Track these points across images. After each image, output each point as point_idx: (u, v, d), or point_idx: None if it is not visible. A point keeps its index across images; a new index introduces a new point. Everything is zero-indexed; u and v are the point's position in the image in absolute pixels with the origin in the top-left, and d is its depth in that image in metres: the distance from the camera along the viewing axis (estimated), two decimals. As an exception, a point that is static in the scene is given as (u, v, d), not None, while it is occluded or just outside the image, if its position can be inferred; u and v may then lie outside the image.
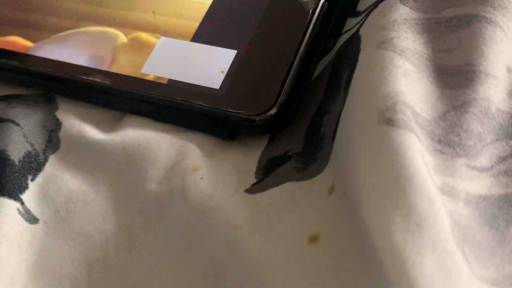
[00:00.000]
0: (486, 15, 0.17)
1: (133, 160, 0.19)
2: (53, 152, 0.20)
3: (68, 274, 0.17)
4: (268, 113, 0.19)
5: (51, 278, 0.17)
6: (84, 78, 0.21)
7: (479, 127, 0.16)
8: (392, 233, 0.13)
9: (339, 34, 0.21)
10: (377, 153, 0.14)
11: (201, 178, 0.17)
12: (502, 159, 0.16)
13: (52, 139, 0.20)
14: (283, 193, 0.17)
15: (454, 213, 0.14)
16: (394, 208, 0.13)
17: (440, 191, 0.14)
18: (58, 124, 0.21)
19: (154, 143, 0.19)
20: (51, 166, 0.19)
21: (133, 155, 0.19)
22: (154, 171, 0.18)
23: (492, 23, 0.17)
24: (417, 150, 0.14)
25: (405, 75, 0.16)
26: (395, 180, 0.13)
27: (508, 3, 0.17)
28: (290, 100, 0.20)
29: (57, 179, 0.19)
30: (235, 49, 0.21)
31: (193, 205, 0.17)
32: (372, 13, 0.19)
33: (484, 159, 0.16)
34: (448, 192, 0.15)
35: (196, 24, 0.22)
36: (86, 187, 0.19)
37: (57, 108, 0.21)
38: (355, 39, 0.19)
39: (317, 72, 0.21)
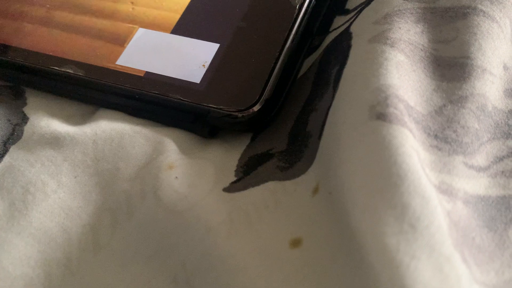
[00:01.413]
0: (484, 9, 0.16)
1: (104, 155, 0.17)
2: (14, 143, 0.18)
3: (22, 275, 0.15)
4: (251, 110, 0.18)
5: (2, 278, 0.15)
6: (55, 69, 0.20)
7: (476, 124, 0.15)
8: (384, 234, 0.12)
9: (326, 31, 0.20)
10: (367, 149, 0.13)
11: (176, 177, 0.16)
12: (499, 159, 0.15)
13: (16, 131, 0.18)
14: (265, 192, 0.16)
15: (452, 213, 0.13)
16: (386, 208, 0.12)
17: (437, 189, 0.13)
18: (24, 119, 0.19)
19: (127, 138, 0.17)
20: (10, 157, 0.18)
21: (104, 150, 0.17)
22: (126, 170, 0.17)
23: (489, 18, 0.16)
24: (411, 146, 0.13)
25: (398, 67, 0.15)
26: (387, 178, 0.12)
27: (505, -1, 0.17)
28: (275, 97, 0.18)
29: (14, 169, 0.17)
30: (217, 43, 0.20)
31: (166, 205, 0.15)
32: (364, 11, 0.19)
33: (481, 158, 0.15)
34: (446, 190, 0.13)
35: (177, 16, 0.21)
36: (46, 176, 0.17)
37: (25, 104, 0.20)
38: (345, 36, 0.18)
39: (303, 70, 0.20)
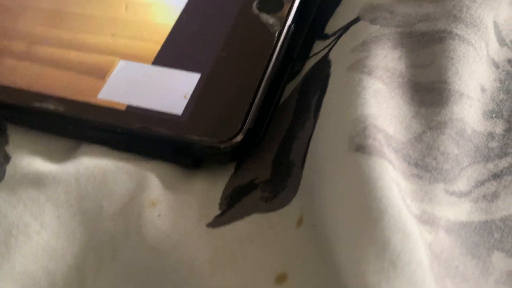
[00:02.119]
0: (459, 33, 0.16)
1: (87, 194, 0.17)
2: (-5, 185, 0.18)
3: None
4: (234, 140, 0.18)
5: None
6: (36, 105, 0.20)
7: (456, 149, 0.15)
8: (364, 274, 0.12)
9: (306, 57, 0.21)
10: (347, 182, 0.13)
11: (159, 214, 0.16)
12: (480, 183, 0.15)
13: (-3, 172, 0.18)
14: (249, 225, 0.16)
15: (434, 244, 0.13)
16: (367, 245, 0.12)
17: (418, 220, 0.13)
18: (6, 158, 0.19)
19: (110, 175, 0.17)
20: (-9, 199, 0.17)
21: (87, 188, 0.17)
22: (110, 208, 0.16)
23: (465, 41, 0.16)
24: (390, 178, 0.13)
25: (375, 96, 0.15)
26: (367, 213, 0.12)
27: (479, 22, 0.17)
28: (257, 126, 0.18)
29: None
30: (198, 72, 0.20)
31: (149, 244, 0.15)
32: (342, 37, 0.19)
33: (462, 184, 0.15)
34: (428, 220, 0.13)
35: (157, 46, 0.21)
36: (29, 217, 0.17)
37: (7, 142, 0.20)
38: (324, 64, 0.18)
39: (284, 96, 0.20)
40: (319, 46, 0.20)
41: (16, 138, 0.20)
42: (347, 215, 0.13)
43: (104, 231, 0.16)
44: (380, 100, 0.15)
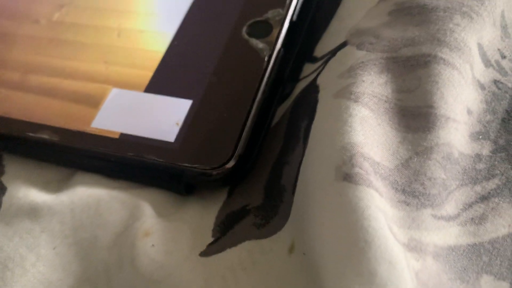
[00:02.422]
0: (444, 56, 0.17)
1: (81, 224, 0.17)
2: (-8, 217, 0.18)
3: None
4: (225, 167, 0.18)
5: None
6: (31, 135, 0.20)
7: (443, 174, 0.15)
8: None
9: (296, 79, 0.21)
10: (334, 212, 0.13)
11: (153, 244, 0.16)
12: (468, 206, 0.15)
13: (-6, 203, 0.19)
14: (242, 253, 0.16)
15: (421, 272, 0.13)
16: (354, 276, 0.12)
17: (406, 247, 0.13)
18: (2, 189, 0.19)
19: (104, 205, 0.17)
20: (-12, 232, 0.18)
21: (82, 218, 0.17)
22: (104, 238, 0.17)
23: (449, 65, 0.17)
24: (377, 207, 0.13)
25: (362, 123, 0.15)
26: (354, 243, 0.12)
27: (463, 45, 0.17)
28: (249, 151, 0.19)
29: None
30: (190, 99, 0.20)
31: (143, 275, 0.16)
32: (329, 62, 0.19)
33: (450, 207, 0.15)
34: (415, 247, 0.14)
35: (149, 74, 0.21)
36: (24, 250, 0.17)
37: (3, 172, 0.20)
38: (312, 89, 0.19)
39: (276, 119, 0.20)
40: (308, 68, 0.21)
41: (11, 168, 0.20)
42: (334, 245, 0.13)
43: (98, 262, 0.16)
44: (367, 127, 0.15)
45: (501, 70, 0.18)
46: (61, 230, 0.17)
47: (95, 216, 0.17)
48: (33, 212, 0.18)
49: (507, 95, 0.17)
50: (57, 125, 0.20)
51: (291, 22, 0.21)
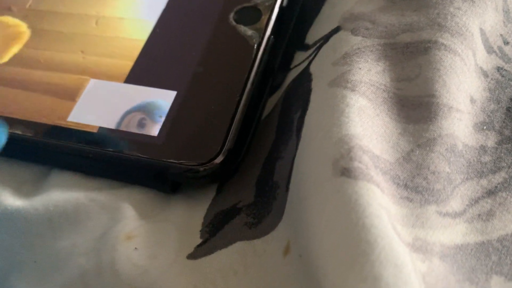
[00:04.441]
0: (445, 42, 0.16)
1: (61, 233, 0.16)
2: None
3: None
4: (214, 162, 0.17)
5: None
6: (2, 131, 0.19)
7: (447, 167, 0.14)
8: None
9: (287, 68, 0.20)
10: (333, 210, 0.12)
11: (136, 248, 0.15)
12: (474, 201, 0.14)
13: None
14: (233, 255, 0.15)
15: (428, 275, 0.12)
16: (357, 282, 0.11)
17: (410, 248, 0.12)
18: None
19: (82, 209, 0.16)
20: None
21: (61, 227, 0.16)
22: (83, 244, 0.15)
23: (451, 51, 0.15)
24: (379, 204, 0.12)
25: (360, 114, 0.14)
26: (356, 245, 0.11)
27: (465, 30, 0.16)
28: (238, 145, 0.17)
29: None
30: (174, 90, 0.19)
31: (124, 281, 0.14)
32: (322, 48, 0.18)
33: (455, 203, 0.14)
34: (421, 247, 0.13)
35: (130, 63, 0.20)
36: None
37: None
38: (305, 77, 0.17)
39: (266, 111, 0.19)
40: (300, 56, 0.20)
41: (-18, 167, 0.19)
42: (334, 247, 0.12)
43: (74, 267, 0.15)
44: (365, 119, 0.14)
45: (504, 56, 0.17)
46: (41, 243, 0.16)
47: (75, 224, 0.16)
48: (8, 223, 0.16)
49: (511, 83, 0.16)
50: (30, 119, 0.19)
51: (281, 7, 0.20)
